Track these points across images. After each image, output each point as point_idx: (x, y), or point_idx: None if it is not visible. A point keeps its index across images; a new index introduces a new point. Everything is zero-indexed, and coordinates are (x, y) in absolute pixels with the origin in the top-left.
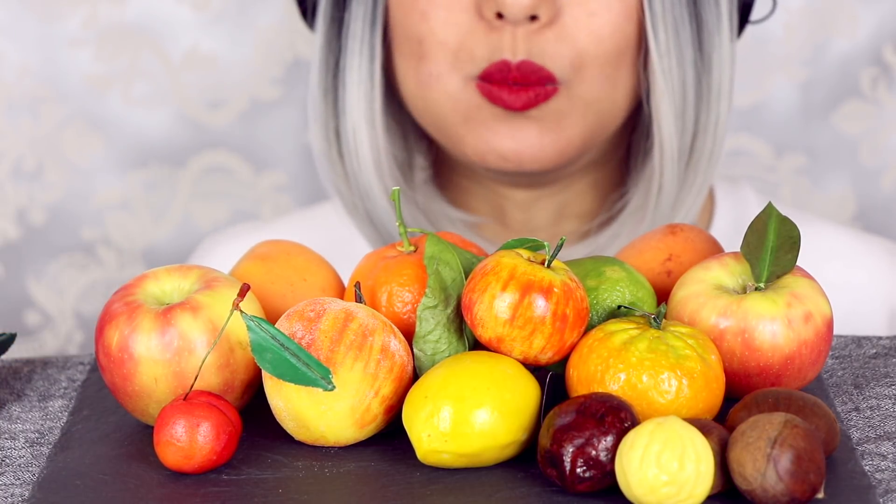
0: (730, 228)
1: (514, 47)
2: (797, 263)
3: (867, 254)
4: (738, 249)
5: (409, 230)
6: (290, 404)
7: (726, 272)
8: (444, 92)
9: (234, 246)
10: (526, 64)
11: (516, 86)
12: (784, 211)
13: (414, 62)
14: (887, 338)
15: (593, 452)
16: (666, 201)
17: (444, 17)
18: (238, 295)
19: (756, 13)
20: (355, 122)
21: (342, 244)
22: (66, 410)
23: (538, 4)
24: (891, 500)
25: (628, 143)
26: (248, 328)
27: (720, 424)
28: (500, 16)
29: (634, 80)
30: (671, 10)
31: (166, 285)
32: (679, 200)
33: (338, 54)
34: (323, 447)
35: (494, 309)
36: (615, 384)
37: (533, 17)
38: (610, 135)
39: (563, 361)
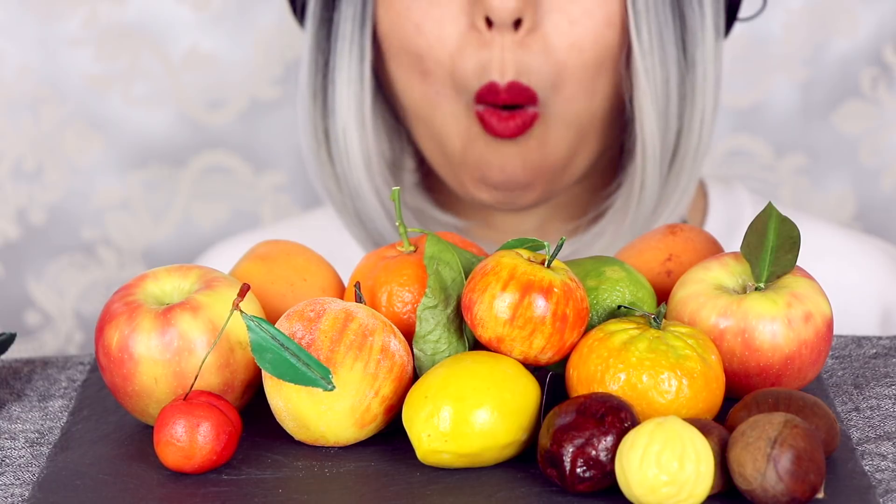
0: (723, 229)
1: (503, 64)
2: (797, 263)
3: (860, 253)
4: (738, 249)
5: (410, 230)
6: (290, 404)
7: (726, 272)
8: (450, 114)
9: (228, 258)
10: (513, 86)
11: (505, 110)
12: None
13: (418, 76)
14: (887, 338)
15: (593, 452)
16: (648, 200)
17: (438, 32)
18: (238, 295)
19: (746, 11)
20: (345, 122)
21: (335, 248)
22: (66, 410)
23: (523, 8)
24: (891, 500)
25: (621, 143)
26: (248, 328)
27: (720, 424)
28: (489, 22)
29: (614, 85)
30: (654, 9)
31: (166, 285)
32: (663, 199)
33: (327, 55)
34: (323, 447)
35: (494, 309)
36: (615, 384)
37: (517, 23)
38: (600, 147)
39: (563, 361)
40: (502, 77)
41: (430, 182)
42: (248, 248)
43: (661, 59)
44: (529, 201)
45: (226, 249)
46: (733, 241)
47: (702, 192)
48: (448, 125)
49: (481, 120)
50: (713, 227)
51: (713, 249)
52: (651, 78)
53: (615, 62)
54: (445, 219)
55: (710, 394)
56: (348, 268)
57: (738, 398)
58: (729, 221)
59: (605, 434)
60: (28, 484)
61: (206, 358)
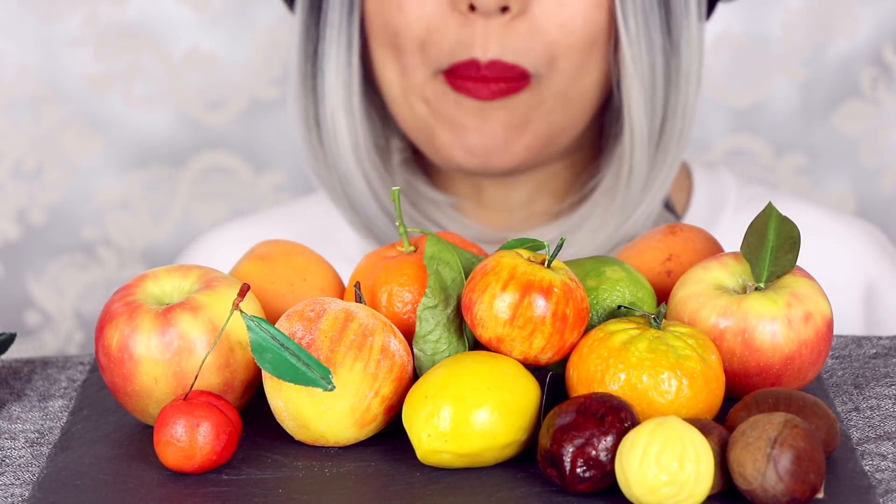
0: (707, 210)
1: (485, 44)
2: (797, 263)
3: (843, 232)
4: (723, 232)
5: (410, 230)
6: (290, 404)
7: (726, 272)
8: (416, 83)
9: (220, 244)
10: (496, 64)
11: (485, 81)
12: (757, 188)
13: (392, 53)
14: (887, 338)
15: (593, 452)
16: (636, 183)
17: (419, 10)
18: (238, 295)
19: None
20: (333, 108)
21: (325, 233)
22: (66, 410)
23: None
24: (891, 500)
25: (601, 125)
26: (248, 328)
27: (720, 424)
28: (472, 8)
29: (605, 67)
30: None
31: (166, 285)
32: (649, 182)
33: (316, 42)
34: (323, 447)
35: (494, 309)
36: (615, 384)
37: (504, 9)
38: (583, 124)
39: (563, 361)
40: (484, 54)
41: (419, 160)
42: (236, 236)
43: (648, 45)
44: (508, 164)
45: (212, 239)
46: (718, 223)
47: (686, 174)
48: (417, 94)
49: (452, 83)
50: (697, 208)
51: (713, 249)
52: (638, 65)
53: (605, 43)
54: (434, 195)
55: (710, 394)
56: (339, 252)
57: (738, 398)
58: (713, 203)
59: (605, 434)
60: (28, 484)
61: (206, 358)
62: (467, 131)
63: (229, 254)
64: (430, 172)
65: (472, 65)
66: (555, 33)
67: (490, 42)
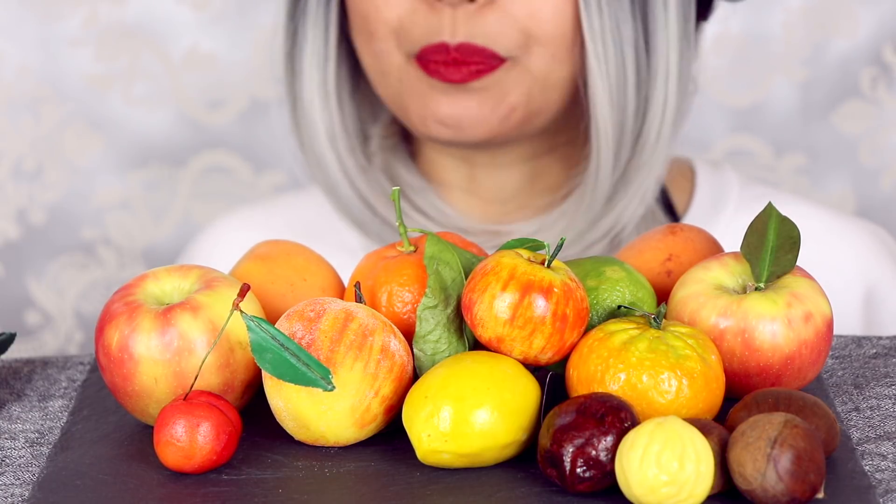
0: (709, 208)
1: (454, 29)
2: (799, 263)
3: (844, 231)
4: (725, 230)
5: (410, 230)
6: (290, 404)
7: (726, 272)
8: (391, 65)
9: (227, 230)
10: (465, 46)
11: (456, 64)
12: (761, 189)
13: (366, 38)
14: (887, 338)
15: (593, 452)
16: (604, 182)
17: None
18: (238, 295)
19: None
20: (310, 94)
21: (329, 223)
22: (66, 410)
23: None
24: (891, 500)
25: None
26: (248, 328)
27: (720, 424)
28: None
29: (577, 60)
30: None
31: (166, 285)
32: (625, 179)
33: (296, 24)
34: (323, 447)
35: (494, 309)
36: (615, 384)
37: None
38: (559, 109)
39: (563, 361)
40: (453, 38)
41: (408, 147)
42: (242, 223)
43: (615, 42)
44: (482, 135)
45: (220, 225)
46: (718, 222)
47: (689, 173)
48: (392, 75)
49: (424, 68)
50: (699, 206)
51: (713, 249)
52: (602, 63)
53: (575, 37)
54: (418, 183)
55: (710, 394)
56: (338, 242)
57: (738, 398)
58: (715, 200)
59: (605, 434)
60: (28, 484)
61: (206, 358)
62: (440, 104)
63: (236, 240)
64: (417, 159)
65: (442, 48)
66: (525, 21)
67: (459, 28)
